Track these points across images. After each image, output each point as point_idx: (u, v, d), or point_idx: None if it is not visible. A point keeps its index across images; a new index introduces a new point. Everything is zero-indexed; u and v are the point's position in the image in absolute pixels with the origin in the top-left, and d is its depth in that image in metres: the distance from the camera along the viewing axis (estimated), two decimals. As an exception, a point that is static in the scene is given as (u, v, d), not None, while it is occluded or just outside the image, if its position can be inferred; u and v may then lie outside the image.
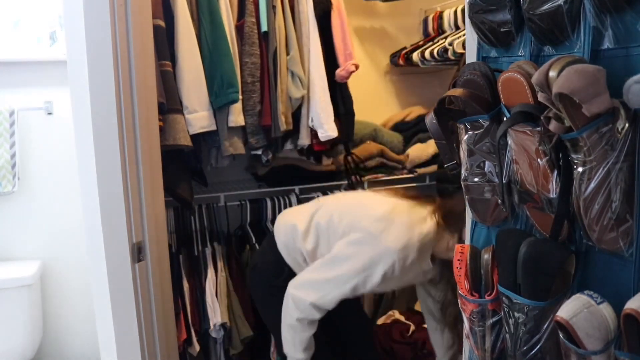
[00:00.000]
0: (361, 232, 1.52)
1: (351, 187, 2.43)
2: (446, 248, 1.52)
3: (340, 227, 1.57)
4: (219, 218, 2.32)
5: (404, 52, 2.63)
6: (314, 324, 1.57)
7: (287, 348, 1.61)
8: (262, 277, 1.75)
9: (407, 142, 2.65)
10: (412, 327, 2.31)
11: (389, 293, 2.45)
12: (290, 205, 2.34)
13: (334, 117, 2.18)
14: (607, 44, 0.76)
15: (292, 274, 1.65)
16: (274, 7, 2.03)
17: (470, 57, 1.10)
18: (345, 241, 1.53)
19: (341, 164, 2.46)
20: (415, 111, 2.70)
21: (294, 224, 1.68)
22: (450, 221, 1.50)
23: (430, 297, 1.76)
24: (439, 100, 1.01)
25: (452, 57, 2.31)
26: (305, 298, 1.52)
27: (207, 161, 2.17)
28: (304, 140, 2.20)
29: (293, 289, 1.56)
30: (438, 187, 2.53)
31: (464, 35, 2.17)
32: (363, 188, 2.49)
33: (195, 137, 1.90)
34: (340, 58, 2.20)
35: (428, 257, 1.54)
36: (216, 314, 2.02)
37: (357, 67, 2.20)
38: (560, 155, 0.80)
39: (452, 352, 1.78)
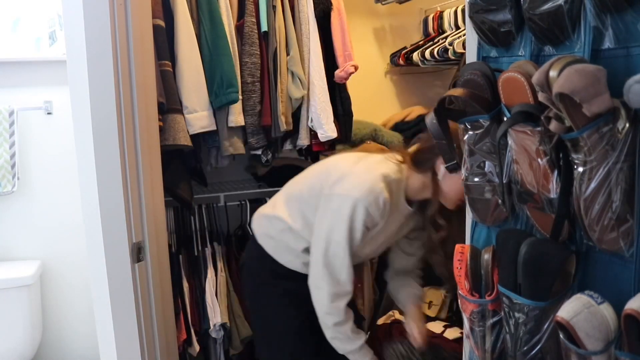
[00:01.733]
0: (329, 195, 1.50)
1: None
2: (421, 187, 1.50)
3: (312, 198, 1.56)
4: (219, 218, 2.32)
5: (404, 52, 2.63)
6: (347, 312, 1.52)
7: (344, 347, 1.54)
8: (250, 273, 1.73)
9: (407, 142, 2.65)
10: (412, 327, 2.31)
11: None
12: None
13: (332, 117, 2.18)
14: (607, 43, 0.76)
15: (276, 265, 1.63)
16: (274, 7, 2.03)
17: (471, 57, 1.10)
18: (319, 214, 1.51)
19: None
20: (415, 111, 2.70)
21: (265, 214, 1.68)
22: (419, 159, 1.49)
23: (404, 253, 1.75)
24: (439, 100, 1.01)
25: (452, 57, 2.31)
26: (323, 296, 1.49)
27: (207, 161, 2.17)
28: (304, 140, 2.20)
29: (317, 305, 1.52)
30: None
31: (464, 35, 2.17)
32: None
33: (195, 137, 1.90)
34: (340, 59, 2.20)
35: (402, 198, 1.53)
36: (216, 314, 2.02)
37: (356, 68, 2.20)
38: (561, 155, 0.80)
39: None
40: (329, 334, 1.53)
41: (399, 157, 1.54)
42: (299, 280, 1.57)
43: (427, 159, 1.47)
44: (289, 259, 1.62)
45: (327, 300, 1.48)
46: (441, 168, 1.42)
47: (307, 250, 1.57)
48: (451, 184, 1.41)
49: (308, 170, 1.71)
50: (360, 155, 1.61)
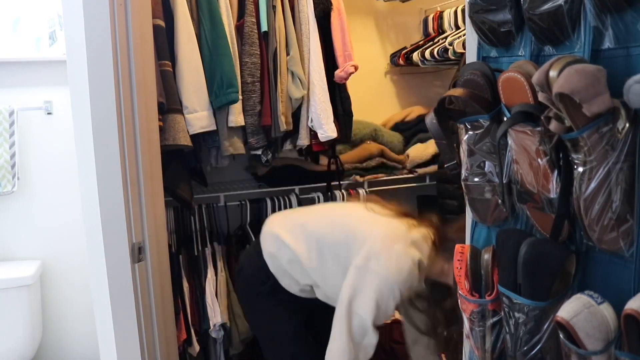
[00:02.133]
0: (364, 269, 1.45)
1: (328, 189, 2.41)
2: (440, 272, 1.49)
3: (334, 249, 1.52)
4: (219, 218, 2.32)
5: (404, 52, 2.63)
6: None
7: None
8: (247, 283, 1.72)
9: (407, 142, 2.65)
10: (412, 327, 2.31)
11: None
12: (291, 206, 2.34)
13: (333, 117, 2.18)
14: (607, 43, 0.76)
15: (276, 283, 1.62)
16: (274, 7, 2.03)
17: (471, 57, 1.10)
18: (349, 283, 1.45)
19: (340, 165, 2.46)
20: (415, 111, 2.70)
21: (282, 240, 1.60)
22: (444, 246, 1.46)
23: (415, 309, 1.69)
24: (439, 100, 1.01)
25: (452, 57, 2.31)
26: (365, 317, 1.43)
27: (207, 161, 2.17)
28: (304, 140, 2.20)
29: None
30: (438, 187, 2.52)
31: (464, 35, 2.17)
32: (363, 187, 2.49)
33: (195, 137, 1.90)
34: (340, 59, 2.20)
35: (422, 279, 1.51)
36: (216, 314, 2.02)
37: (356, 68, 2.20)
38: (561, 155, 0.80)
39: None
40: None
41: (429, 234, 1.50)
42: (293, 296, 1.59)
43: (453, 247, 1.45)
44: (288, 283, 1.62)
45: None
46: None
47: (308, 286, 1.58)
48: None
49: (328, 213, 1.70)
50: (388, 222, 1.54)
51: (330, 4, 2.18)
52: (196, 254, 2.14)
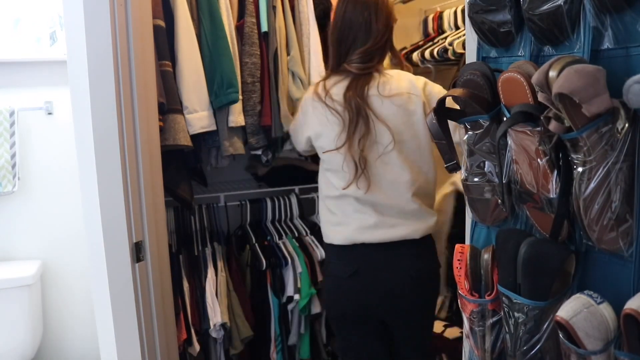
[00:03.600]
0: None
1: None
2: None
3: None
4: (219, 218, 2.32)
5: (403, 52, 2.62)
6: None
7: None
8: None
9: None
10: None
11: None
12: (290, 206, 2.35)
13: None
14: (607, 44, 0.76)
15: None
16: (274, 7, 2.03)
17: (470, 57, 1.10)
18: None
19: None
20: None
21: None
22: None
23: None
24: (439, 100, 1.01)
25: (452, 57, 2.31)
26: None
27: (207, 161, 2.17)
28: (304, 140, 2.20)
29: None
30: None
31: (464, 35, 2.17)
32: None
33: (195, 137, 1.90)
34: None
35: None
36: (216, 314, 2.02)
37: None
38: (560, 155, 0.80)
39: None
40: None
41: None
42: None
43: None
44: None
45: None
46: None
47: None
48: None
49: None
50: None
51: (330, 4, 2.18)
52: (196, 253, 2.14)
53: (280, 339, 2.12)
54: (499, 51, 1.01)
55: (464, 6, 1.02)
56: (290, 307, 2.13)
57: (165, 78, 1.80)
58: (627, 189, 0.73)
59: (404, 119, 1.55)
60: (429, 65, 2.50)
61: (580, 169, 0.75)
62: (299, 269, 2.11)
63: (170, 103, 1.80)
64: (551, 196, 0.83)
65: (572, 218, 0.81)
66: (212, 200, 2.28)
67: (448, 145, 1.07)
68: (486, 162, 0.98)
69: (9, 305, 2.05)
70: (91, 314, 1.57)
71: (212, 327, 2.01)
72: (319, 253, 2.17)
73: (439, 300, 2.47)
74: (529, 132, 0.83)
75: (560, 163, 0.80)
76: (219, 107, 1.95)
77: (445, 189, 2.15)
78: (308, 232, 2.30)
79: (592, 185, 0.74)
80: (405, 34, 2.77)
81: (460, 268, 1.01)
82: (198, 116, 1.89)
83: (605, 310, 0.73)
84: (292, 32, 2.09)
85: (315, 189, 2.43)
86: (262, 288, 2.13)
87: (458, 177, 1.56)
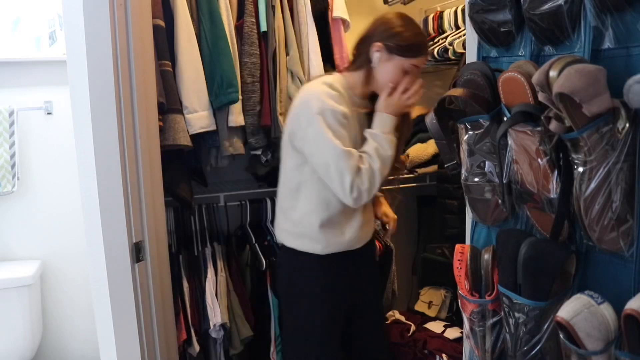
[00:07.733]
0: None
1: None
2: (362, 80, 1.54)
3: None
4: (219, 218, 2.32)
5: (404, 52, 2.62)
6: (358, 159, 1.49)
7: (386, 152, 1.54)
8: None
9: (407, 142, 2.65)
10: (413, 327, 2.31)
11: (389, 292, 2.45)
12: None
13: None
14: (607, 43, 0.76)
15: None
16: (273, 7, 2.03)
17: (471, 57, 1.10)
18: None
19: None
20: (415, 111, 2.70)
21: None
22: (354, 57, 1.59)
23: None
24: (439, 100, 1.01)
25: (452, 57, 2.31)
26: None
27: (207, 161, 2.17)
28: (304, 140, 2.20)
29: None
30: (438, 187, 2.52)
31: (464, 35, 2.17)
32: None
33: (195, 137, 1.90)
34: (337, 59, 2.20)
35: (355, 98, 1.55)
36: (216, 314, 2.02)
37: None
38: (561, 155, 0.80)
39: None
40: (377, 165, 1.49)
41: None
42: None
43: (360, 52, 1.55)
44: None
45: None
46: (375, 55, 1.50)
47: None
48: (383, 68, 1.49)
49: None
50: None
51: (328, 4, 2.18)
52: (196, 254, 2.13)
53: (281, 339, 2.12)
54: (500, 51, 1.01)
55: (464, 6, 1.02)
56: (290, 307, 2.13)
57: (165, 78, 1.80)
58: (627, 189, 0.73)
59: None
60: (429, 65, 2.50)
61: (580, 169, 0.75)
62: (299, 269, 2.11)
63: (170, 103, 1.80)
64: (551, 196, 0.83)
65: (573, 218, 0.81)
66: (212, 200, 2.28)
67: (448, 145, 1.07)
68: (486, 162, 0.97)
69: (8, 305, 2.05)
70: (91, 313, 1.57)
71: (212, 327, 2.01)
72: (319, 253, 2.17)
73: (440, 300, 2.48)
74: (529, 132, 0.83)
75: (561, 163, 0.80)
76: (219, 107, 1.95)
77: None
78: (308, 232, 2.30)
79: (592, 185, 0.74)
80: (405, 34, 2.76)
81: (460, 268, 1.01)
82: (198, 116, 1.89)
83: (606, 310, 0.73)
84: (291, 32, 2.09)
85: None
86: (262, 288, 2.13)
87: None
